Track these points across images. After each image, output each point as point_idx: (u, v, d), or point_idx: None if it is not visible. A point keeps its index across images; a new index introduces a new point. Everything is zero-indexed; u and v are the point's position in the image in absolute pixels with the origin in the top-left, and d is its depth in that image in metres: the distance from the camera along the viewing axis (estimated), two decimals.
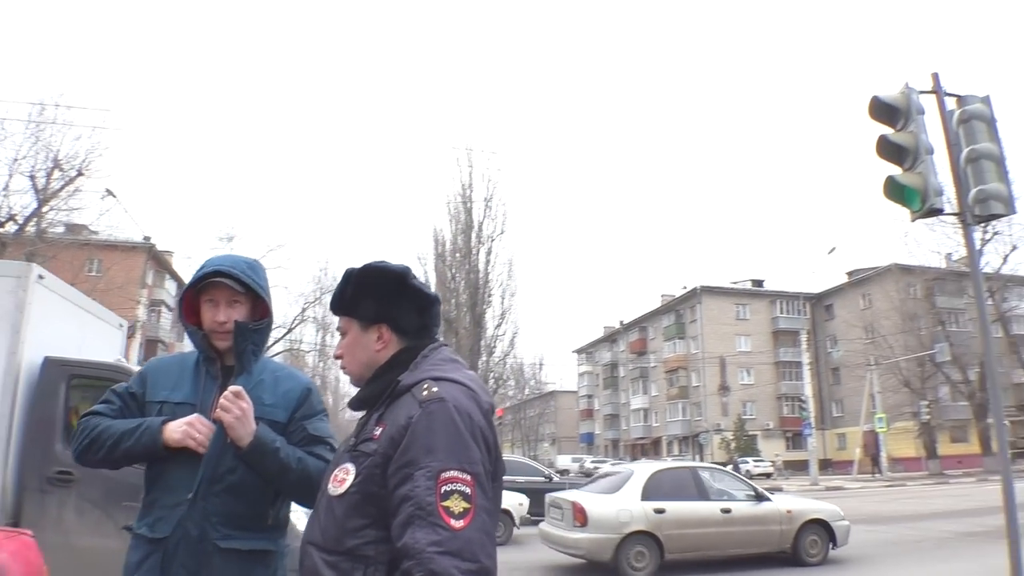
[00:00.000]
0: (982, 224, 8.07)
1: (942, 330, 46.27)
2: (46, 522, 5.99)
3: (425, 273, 48.51)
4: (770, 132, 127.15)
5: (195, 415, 2.32)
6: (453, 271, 43.61)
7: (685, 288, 69.70)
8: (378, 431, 1.78)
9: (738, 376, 63.72)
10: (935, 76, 7.77)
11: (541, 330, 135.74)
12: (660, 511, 10.78)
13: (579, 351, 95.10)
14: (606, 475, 12.75)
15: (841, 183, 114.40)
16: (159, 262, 54.24)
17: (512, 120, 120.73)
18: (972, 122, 7.56)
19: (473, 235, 43.87)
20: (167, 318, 58.14)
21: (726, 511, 11.28)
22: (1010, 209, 7.53)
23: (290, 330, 44.31)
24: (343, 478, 1.78)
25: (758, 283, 69.89)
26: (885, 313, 49.38)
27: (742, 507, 11.50)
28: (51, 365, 6.41)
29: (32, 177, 30.81)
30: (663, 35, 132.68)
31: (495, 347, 41.62)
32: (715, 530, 11.16)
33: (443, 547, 1.56)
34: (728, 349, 62.77)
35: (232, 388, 2.32)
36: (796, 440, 58.44)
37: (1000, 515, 7.10)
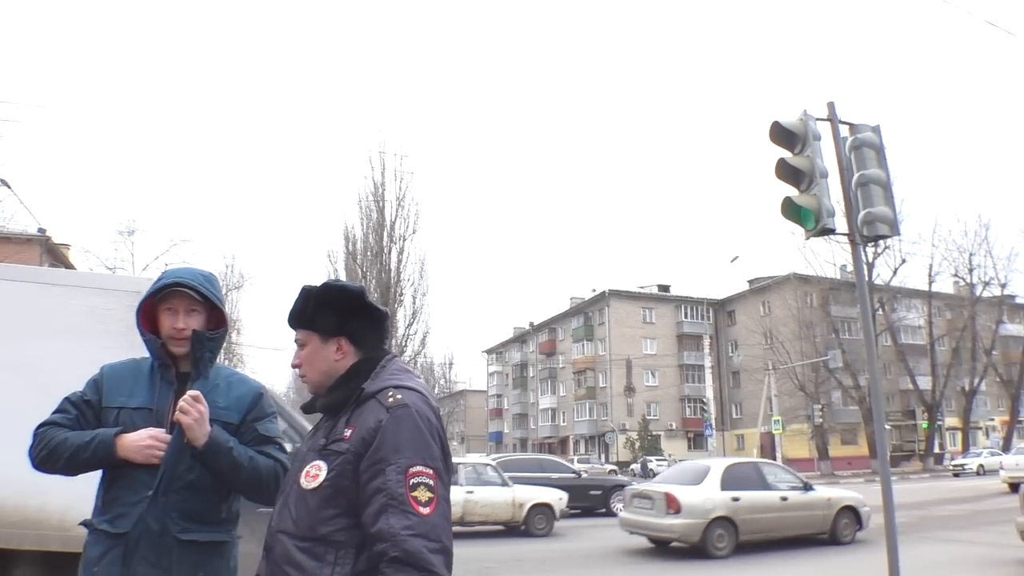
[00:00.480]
0: (870, 243, 8.61)
1: (836, 338, 48.15)
2: None
3: (335, 271, 48.08)
4: (679, 143, 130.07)
5: (152, 431, 2.46)
6: (364, 269, 43.20)
7: (594, 291, 70.82)
8: (348, 432, 2.00)
9: (643, 378, 65.18)
10: (830, 105, 8.29)
11: (451, 330, 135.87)
12: (736, 499, 12.68)
13: (489, 351, 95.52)
14: (676, 471, 14.97)
15: (745, 194, 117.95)
16: (55, 255, 52.08)
17: (426, 119, 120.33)
18: (863, 149, 8.09)
19: (385, 234, 43.59)
20: None
21: (784, 499, 13.29)
22: (894, 231, 8.09)
23: None
24: (316, 474, 1.99)
25: (664, 288, 71.54)
26: (783, 320, 51.24)
27: (795, 495, 13.49)
28: None
29: None
30: (575, 40, 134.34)
31: (406, 346, 41.50)
32: (776, 515, 13.15)
33: (414, 530, 1.82)
34: (634, 351, 64.15)
35: (191, 392, 2.46)
36: (698, 440, 60.10)
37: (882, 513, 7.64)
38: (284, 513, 2.04)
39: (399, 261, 42.87)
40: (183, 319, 2.58)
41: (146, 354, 2.68)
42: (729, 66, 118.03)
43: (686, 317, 68.66)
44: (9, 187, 29.15)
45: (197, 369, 2.61)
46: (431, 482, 1.90)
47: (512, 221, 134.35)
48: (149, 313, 2.65)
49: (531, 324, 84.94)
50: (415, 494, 1.87)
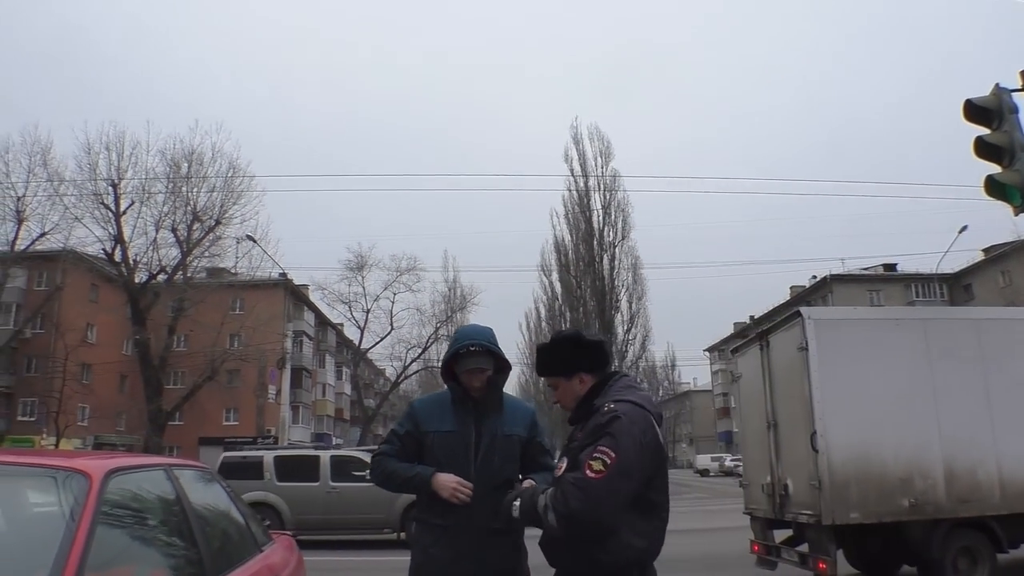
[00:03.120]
0: None
1: None
2: None
3: (551, 283, 49.35)
4: (891, 107, 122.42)
5: (457, 480, 3.19)
6: (578, 279, 44.05)
7: (814, 278, 67.98)
8: (579, 435, 2.74)
9: None
10: (1023, 74, 7.99)
11: (671, 330, 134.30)
12: None
13: (711, 349, 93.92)
14: None
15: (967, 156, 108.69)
16: (296, 295, 57.04)
17: (625, 113, 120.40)
18: None
19: (595, 242, 44.28)
20: (308, 347, 61.04)
21: None
22: None
23: (425, 349, 45.68)
24: (562, 466, 2.73)
25: (890, 267, 67.40)
26: None
27: None
28: None
29: (175, 230, 33.50)
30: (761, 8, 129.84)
31: (626, 352, 41.93)
32: None
33: (576, 482, 2.50)
34: None
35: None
36: None
37: None
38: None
39: (611, 268, 43.34)
40: (478, 377, 3.32)
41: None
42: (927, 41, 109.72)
43: (918, 296, 64.32)
44: (254, 240, 32.69)
45: (495, 404, 3.38)
46: (608, 461, 2.47)
47: (723, 212, 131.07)
48: (449, 364, 3.42)
49: (751, 318, 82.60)
50: (592, 462, 2.49)
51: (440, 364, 3.52)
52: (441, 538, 3.22)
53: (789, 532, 8.86)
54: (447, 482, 3.20)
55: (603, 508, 2.47)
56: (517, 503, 2.77)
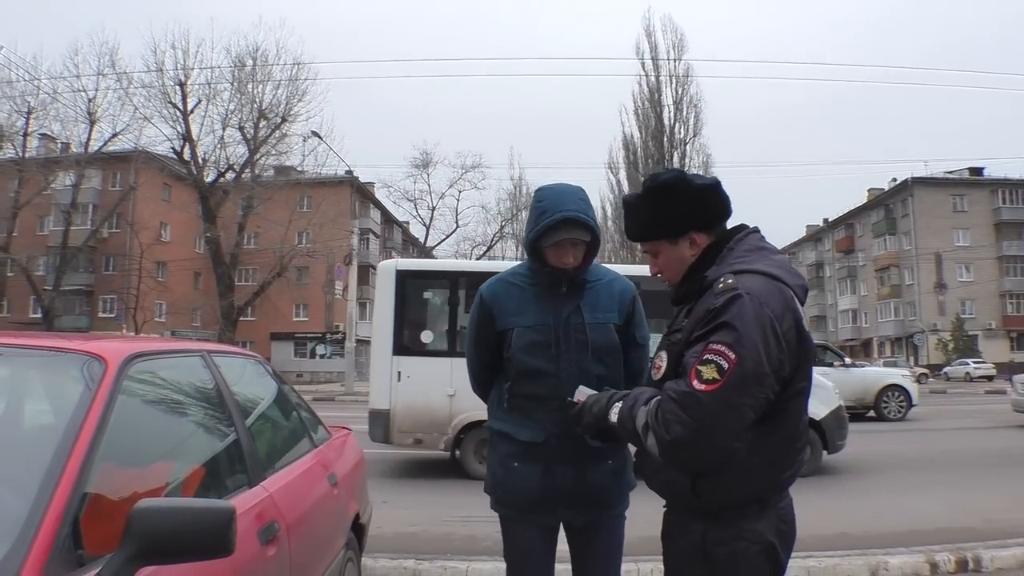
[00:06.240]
0: None
1: None
2: None
3: (618, 182, 48.78)
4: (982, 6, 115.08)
5: None
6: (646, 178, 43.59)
7: (894, 180, 65.52)
8: (685, 323, 1.92)
9: (956, 273, 59.71)
10: None
11: None
12: None
13: (781, 252, 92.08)
14: None
15: None
16: (362, 193, 57.19)
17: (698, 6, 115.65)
18: None
19: (665, 140, 43.59)
20: (375, 244, 61.51)
21: None
22: None
23: (490, 247, 45.61)
24: (660, 365, 1.95)
25: (977, 171, 64.49)
26: None
27: None
28: None
29: (241, 128, 33.58)
30: None
31: None
32: None
33: (680, 398, 1.72)
34: (944, 244, 58.81)
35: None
36: (1022, 340, 54.49)
37: None
38: None
39: (681, 167, 42.50)
40: (572, 254, 2.57)
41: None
42: None
43: (1004, 203, 61.61)
44: (320, 137, 32.54)
45: (580, 291, 2.64)
46: (725, 365, 1.69)
47: (798, 109, 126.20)
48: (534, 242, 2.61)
49: (825, 221, 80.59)
50: (701, 368, 1.71)
51: (526, 241, 2.59)
52: (528, 451, 2.57)
53: None
54: None
55: (717, 434, 1.71)
56: (617, 406, 1.97)
